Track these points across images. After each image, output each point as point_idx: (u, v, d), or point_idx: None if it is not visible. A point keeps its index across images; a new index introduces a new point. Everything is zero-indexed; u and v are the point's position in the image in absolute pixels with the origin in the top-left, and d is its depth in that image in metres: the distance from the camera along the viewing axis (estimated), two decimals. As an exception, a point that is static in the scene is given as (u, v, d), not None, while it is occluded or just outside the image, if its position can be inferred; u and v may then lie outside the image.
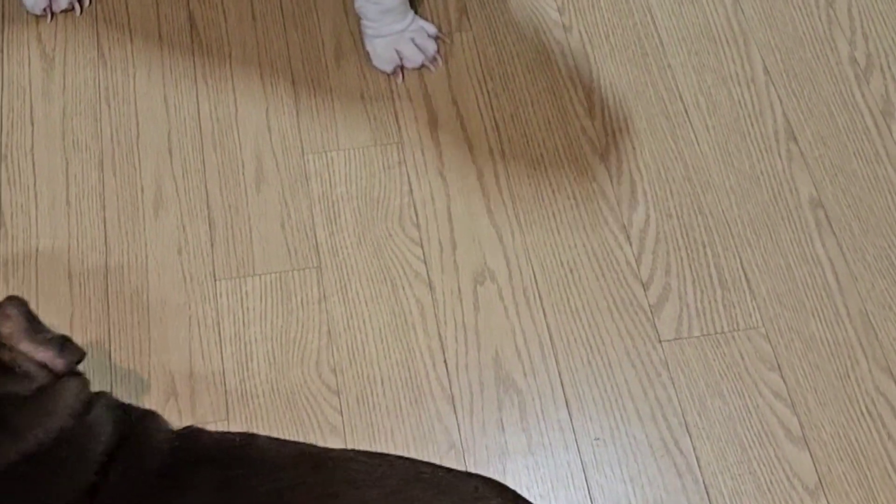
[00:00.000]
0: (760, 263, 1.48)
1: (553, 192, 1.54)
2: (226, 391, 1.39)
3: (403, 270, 1.48)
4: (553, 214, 1.53)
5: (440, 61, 1.65)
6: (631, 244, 1.50)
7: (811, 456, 1.34)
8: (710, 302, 1.45)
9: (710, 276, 1.47)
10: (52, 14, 1.69)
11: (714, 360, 1.41)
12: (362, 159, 1.57)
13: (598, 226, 1.51)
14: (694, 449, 1.35)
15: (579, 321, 1.44)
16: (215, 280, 1.47)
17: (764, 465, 1.33)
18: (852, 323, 1.43)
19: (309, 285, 1.47)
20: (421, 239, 1.51)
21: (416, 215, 1.53)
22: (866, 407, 1.37)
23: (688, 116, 1.61)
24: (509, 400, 1.39)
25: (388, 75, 1.64)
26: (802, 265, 1.48)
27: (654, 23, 1.70)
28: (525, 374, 1.40)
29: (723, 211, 1.52)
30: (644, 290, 1.46)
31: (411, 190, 1.55)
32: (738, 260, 1.48)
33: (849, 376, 1.39)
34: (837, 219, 1.51)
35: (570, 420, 1.37)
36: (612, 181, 1.55)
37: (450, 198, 1.54)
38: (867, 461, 1.33)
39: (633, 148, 1.58)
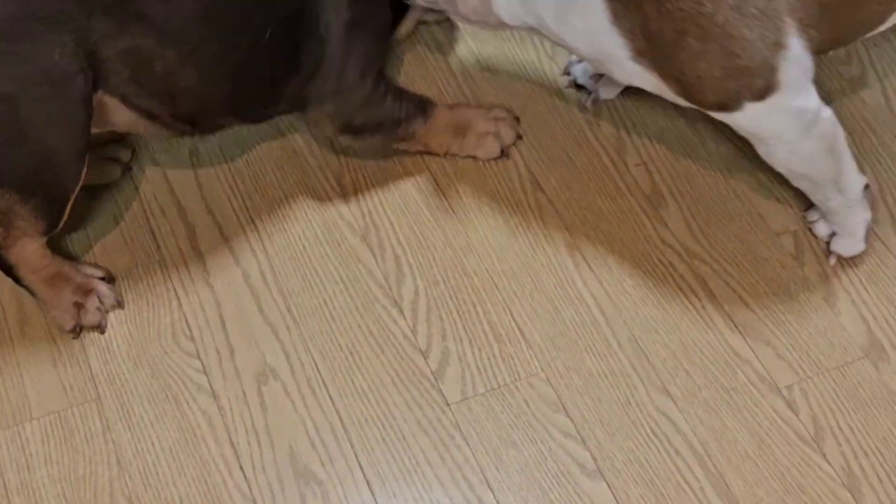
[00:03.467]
0: (530, 312, 1.53)
1: (321, 280, 1.56)
2: (20, 543, 1.35)
3: (185, 385, 1.47)
4: (324, 302, 1.54)
5: None
6: (405, 317, 1.53)
7: (608, 486, 1.38)
8: (489, 358, 1.49)
9: (485, 333, 1.51)
10: None
11: (502, 412, 1.44)
12: (127, 283, 1.56)
13: (370, 304, 1.54)
14: (497, 502, 1.37)
15: (367, 401, 1.46)
16: (-8, 432, 1.43)
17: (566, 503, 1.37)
18: (624, 352, 1.49)
19: (91, 418, 1.44)
20: (197, 350, 1.50)
21: (189, 328, 1.52)
22: (651, 429, 1.43)
23: (438, 185, 1.66)
24: (311, 492, 1.39)
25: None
26: (569, 306, 1.53)
27: (390, 102, 1.75)
28: (323, 464, 1.41)
29: (486, 269, 1.57)
30: (424, 358, 1.49)
31: (180, 304, 1.54)
32: (509, 313, 1.53)
33: (630, 403, 1.45)
34: (593, 256, 1.58)
35: (375, 500, 1.38)
36: (376, 259, 1.58)
37: (220, 304, 1.54)
38: (661, 480, 1.38)
39: (392, 224, 1.62)
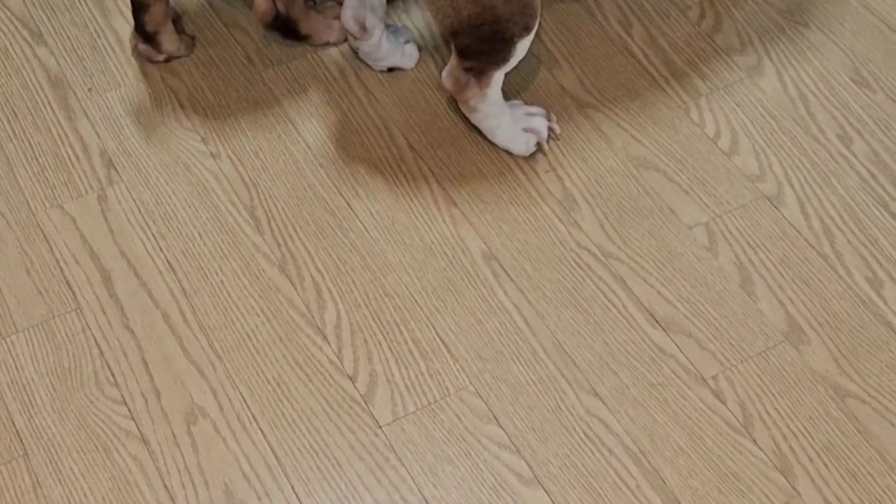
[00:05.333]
0: (453, 326, 1.53)
1: (242, 314, 1.55)
2: None
3: (113, 433, 1.45)
4: (247, 335, 1.53)
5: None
6: (329, 343, 1.52)
7: (546, 492, 1.39)
8: (416, 376, 1.49)
9: (411, 352, 1.51)
10: None
11: (434, 429, 1.44)
12: (44, 335, 1.54)
13: (294, 334, 1.53)
14: (438, 520, 1.38)
15: (299, 430, 1.45)
16: (-82, 499, 1.40)
17: (506, 514, 1.38)
18: (550, 357, 1.50)
19: (19, 476, 1.42)
20: (123, 397, 1.48)
21: (112, 374, 1.50)
22: (583, 431, 1.44)
23: (351, 209, 1.65)
24: (250, 528, 1.38)
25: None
26: (491, 317, 1.54)
27: (297, 130, 1.75)
28: (260, 498, 1.40)
29: (406, 287, 1.57)
30: (352, 382, 1.49)
31: (101, 351, 1.52)
32: (433, 329, 1.53)
33: (560, 408, 1.46)
34: (511, 265, 1.59)
35: (315, 529, 1.38)
36: (295, 288, 1.58)
37: (142, 348, 1.52)
38: (597, 481, 1.40)
39: (308, 251, 1.61)
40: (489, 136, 1.70)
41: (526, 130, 1.69)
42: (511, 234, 1.62)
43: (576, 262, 1.59)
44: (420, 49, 1.82)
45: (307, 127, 1.75)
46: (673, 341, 1.51)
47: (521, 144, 1.69)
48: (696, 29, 1.85)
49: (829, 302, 1.54)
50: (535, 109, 1.72)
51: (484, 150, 1.71)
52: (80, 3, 1.92)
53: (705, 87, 1.77)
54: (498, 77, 1.62)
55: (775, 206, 1.64)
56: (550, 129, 1.71)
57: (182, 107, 1.78)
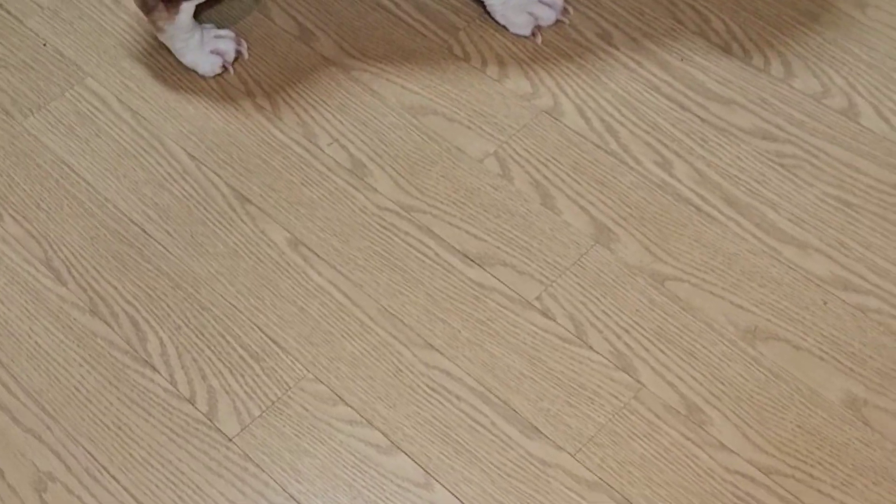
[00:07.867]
0: (277, 320, 1.52)
1: (65, 369, 1.52)
2: None
3: (-35, 524, 1.41)
4: (76, 388, 1.50)
5: (570, 10, 1.74)
6: (159, 372, 1.50)
7: (408, 455, 1.40)
8: (253, 380, 1.48)
9: (242, 358, 1.50)
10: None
11: (284, 426, 1.44)
12: None
13: (122, 373, 1.50)
14: (309, 513, 1.37)
15: (151, 467, 1.43)
16: None
17: (374, 487, 1.38)
18: (378, 324, 1.50)
19: None
20: (-35, 486, 1.44)
21: (-51, 467, 1.46)
22: (427, 386, 1.45)
23: (148, 234, 1.62)
24: (128, 577, 1.35)
25: (529, 37, 1.73)
26: (312, 300, 1.53)
27: (74, 172, 1.70)
28: (130, 545, 1.38)
29: (221, 296, 1.55)
30: (192, 404, 1.47)
31: (-68, 447, 1.47)
32: (258, 329, 1.52)
33: (400, 370, 1.46)
34: (318, 245, 1.58)
35: (193, 558, 1.36)
36: (112, 328, 1.54)
37: (-28, 432, 1.48)
38: (453, 430, 1.41)
39: (115, 288, 1.58)
40: (178, 56, 1.77)
41: (213, 52, 1.76)
42: (310, 215, 1.61)
43: (380, 225, 1.59)
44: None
45: (83, 165, 1.71)
46: (491, 274, 1.52)
47: (207, 65, 1.76)
48: (439, -34, 1.86)
49: (627, 195, 1.57)
50: (224, 32, 1.78)
51: (263, 140, 1.70)
52: None
53: (461, 21, 1.78)
54: (187, 7, 1.68)
55: (555, 118, 1.66)
56: (239, 52, 1.77)
57: (-50, 179, 1.72)
